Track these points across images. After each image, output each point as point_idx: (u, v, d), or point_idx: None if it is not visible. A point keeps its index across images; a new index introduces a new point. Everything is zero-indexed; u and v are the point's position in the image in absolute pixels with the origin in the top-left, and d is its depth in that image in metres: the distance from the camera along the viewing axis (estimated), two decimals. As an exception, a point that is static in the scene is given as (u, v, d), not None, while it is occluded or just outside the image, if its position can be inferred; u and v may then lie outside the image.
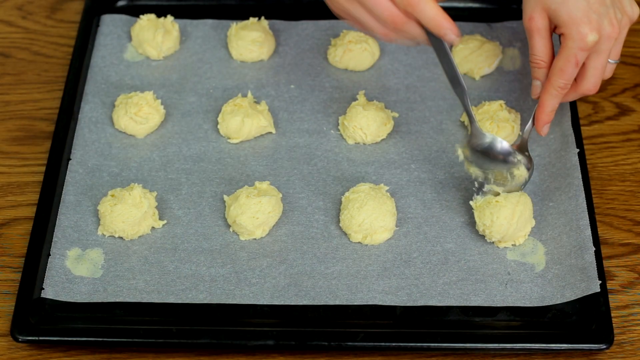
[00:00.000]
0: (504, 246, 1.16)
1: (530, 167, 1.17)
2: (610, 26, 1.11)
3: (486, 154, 1.16)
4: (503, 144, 1.16)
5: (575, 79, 1.17)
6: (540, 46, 1.16)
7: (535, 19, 1.14)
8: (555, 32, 1.15)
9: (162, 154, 1.26)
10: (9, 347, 1.11)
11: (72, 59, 1.34)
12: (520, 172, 1.17)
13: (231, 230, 1.19)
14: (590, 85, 1.16)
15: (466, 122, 1.27)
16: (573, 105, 1.27)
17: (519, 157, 1.17)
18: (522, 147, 1.18)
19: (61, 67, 1.38)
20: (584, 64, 1.14)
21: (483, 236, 1.17)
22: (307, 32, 1.39)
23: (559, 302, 1.12)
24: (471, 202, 1.17)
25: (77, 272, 1.15)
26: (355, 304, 1.12)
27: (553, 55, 1.16)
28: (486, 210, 1.15)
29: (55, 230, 1.17)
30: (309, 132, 1.28)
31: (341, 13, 1.11)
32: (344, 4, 1.09)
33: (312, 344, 1.09)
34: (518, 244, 1.16)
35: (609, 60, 1.16)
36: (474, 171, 1.17)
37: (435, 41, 1.09)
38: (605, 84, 1.34)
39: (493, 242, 1.17)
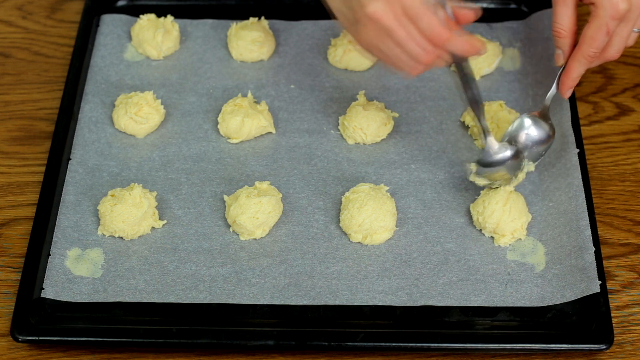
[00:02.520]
0: (502, 243, 1.16)
1: (552, 136, 1.20)
2: None
3: (495, 164, 1.17)
4: (510, 151, 1.17)
5: None
6: (563, 16, 1.16)
7: None
8: (584, 2, 1.15)
9: (162, 154, 1.26)
10: (9, 347, 1.11)
11: (72, 59, 1.34)
12: (522, 175, 1.18)
13: (231, 230, 1.19)
14: (614, 52, 1.17)
15: (474, 135, 1.27)
16: (573, 105, 1.26)
17: (525, 160, 1.18)
18: (543, 114, 1.20)
19: (61, 67, 1.37)
20: None
21: (483, 236, 1.17)
22: (307, 32, 1.39)
23: (559, 302, 1.12)
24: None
25: (77, 272, 1.15)
26: (355, 304, 1.12)
27: (576, 26, 1.17)
28: (480, 199, 1.17)
29: (55, 230, 1.17)
30: (309, 132, 1.28)
31: (368, 47, 1.08)
32: (373, 39, 1.06)
33: (312, 344, 1.09)
34: (516, 237, 1.16)
35: (634, 29, 1.16)
36: (480, 181, 1.18)
37: (460, 63, 1.09)
38: (605, 84, 1.34)
39: (492, 239, 1.17)
